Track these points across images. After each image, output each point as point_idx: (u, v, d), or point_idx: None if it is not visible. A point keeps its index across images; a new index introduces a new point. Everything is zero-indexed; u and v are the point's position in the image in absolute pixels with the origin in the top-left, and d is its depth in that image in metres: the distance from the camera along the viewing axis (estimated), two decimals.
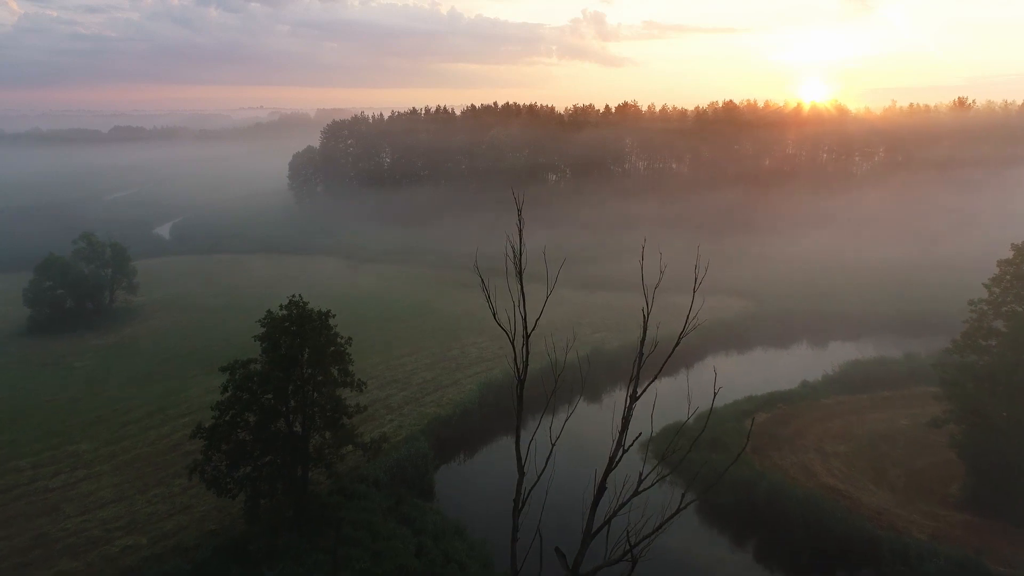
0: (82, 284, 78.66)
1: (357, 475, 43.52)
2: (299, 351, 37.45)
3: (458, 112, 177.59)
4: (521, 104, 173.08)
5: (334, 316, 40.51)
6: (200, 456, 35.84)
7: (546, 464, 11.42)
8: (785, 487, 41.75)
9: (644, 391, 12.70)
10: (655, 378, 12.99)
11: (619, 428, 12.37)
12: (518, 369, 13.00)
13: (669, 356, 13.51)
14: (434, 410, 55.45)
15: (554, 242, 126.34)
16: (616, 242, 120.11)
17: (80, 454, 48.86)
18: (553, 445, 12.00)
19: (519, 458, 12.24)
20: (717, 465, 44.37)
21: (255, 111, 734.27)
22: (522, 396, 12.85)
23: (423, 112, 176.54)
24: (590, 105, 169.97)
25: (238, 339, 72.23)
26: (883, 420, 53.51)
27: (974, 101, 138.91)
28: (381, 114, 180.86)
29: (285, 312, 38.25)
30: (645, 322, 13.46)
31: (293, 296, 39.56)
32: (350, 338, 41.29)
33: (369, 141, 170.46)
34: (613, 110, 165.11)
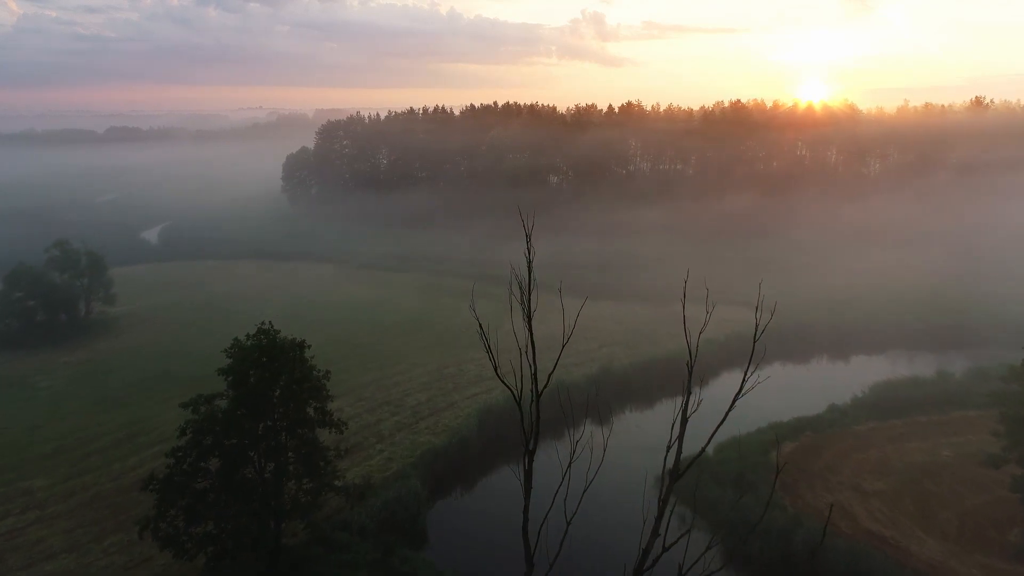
0: (54, 295, 73.66)
1: (339, 521, 38.59)
2: (270, 387, 32.45)
3: (457, 112, 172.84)
4: (522, 104, 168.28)
5: (310, 347, 35.40)
6: (153, 510, 30.85)
7: (560, 548, 10.04)
8: (825, 536, 36.79)
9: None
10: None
11: (654, 507, 10.51)
12: (527, 437, 11.14)
13: (720, 423, 11.33)
14: (428, 438, 50.50)
15: (557, 248, 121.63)
16: (621, 248, 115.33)
17: (34, 492, 43.91)
18: (569, 524, 10.19)
19: (527, 547, 10.38)
20: (745, 509, 39.59)
21: (254, 111, 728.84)
22: (531, 471, 10.71)
23: (421, 112, 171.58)
24: (592, 105, 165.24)
25: (218, 358, 67.04)
26: (923, 451, 48.59)
27: (992, 101, 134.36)
28: (377, 114, 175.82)
29: (254, 342, 33.13)
30: (688, 382, 11.33)
31: (263, 323, 34.45)
32: (328, 371, 36.36)
33: (365, 142, 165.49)
34: (617, 110, 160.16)
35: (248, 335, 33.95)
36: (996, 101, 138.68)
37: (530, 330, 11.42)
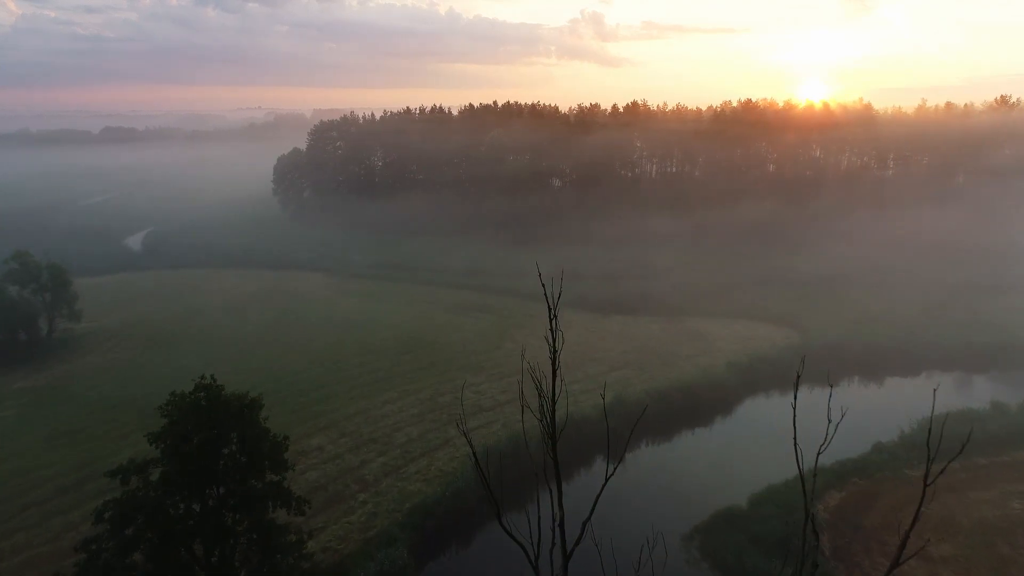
0: (12, 312, 67.11)
1: None
2: (213, 457, 25.89)
3: (455, 112, 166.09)
4: (523, 103, 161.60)
5: (263, 405, 28.85)
6: None
7: None
8: None
9: None
10: None
11: None
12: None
13: None
14: (419, 486, 43.95)
15: (560, 257, 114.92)
16: (629, 257, 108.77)
17: None
18: None
19: None
20: None
21: (252, 111, 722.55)
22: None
23: (417, 112, 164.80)
24: (596, 105, 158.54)
25: (185, 384, 60.64)
26: (990, 502, 42.10)
27: (1019, 100, 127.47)
28: (372, 114, 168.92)
29: (191, 400, 26.57)
30: None
31: (203, 378, 27.84)
32: (287, 437, 29.72)
33: (359, 143, 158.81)
34: (621, 110, 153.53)
35: (187, 392, 27.26)
36: (980, 103, 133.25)
37: (555, 457, 8.09)
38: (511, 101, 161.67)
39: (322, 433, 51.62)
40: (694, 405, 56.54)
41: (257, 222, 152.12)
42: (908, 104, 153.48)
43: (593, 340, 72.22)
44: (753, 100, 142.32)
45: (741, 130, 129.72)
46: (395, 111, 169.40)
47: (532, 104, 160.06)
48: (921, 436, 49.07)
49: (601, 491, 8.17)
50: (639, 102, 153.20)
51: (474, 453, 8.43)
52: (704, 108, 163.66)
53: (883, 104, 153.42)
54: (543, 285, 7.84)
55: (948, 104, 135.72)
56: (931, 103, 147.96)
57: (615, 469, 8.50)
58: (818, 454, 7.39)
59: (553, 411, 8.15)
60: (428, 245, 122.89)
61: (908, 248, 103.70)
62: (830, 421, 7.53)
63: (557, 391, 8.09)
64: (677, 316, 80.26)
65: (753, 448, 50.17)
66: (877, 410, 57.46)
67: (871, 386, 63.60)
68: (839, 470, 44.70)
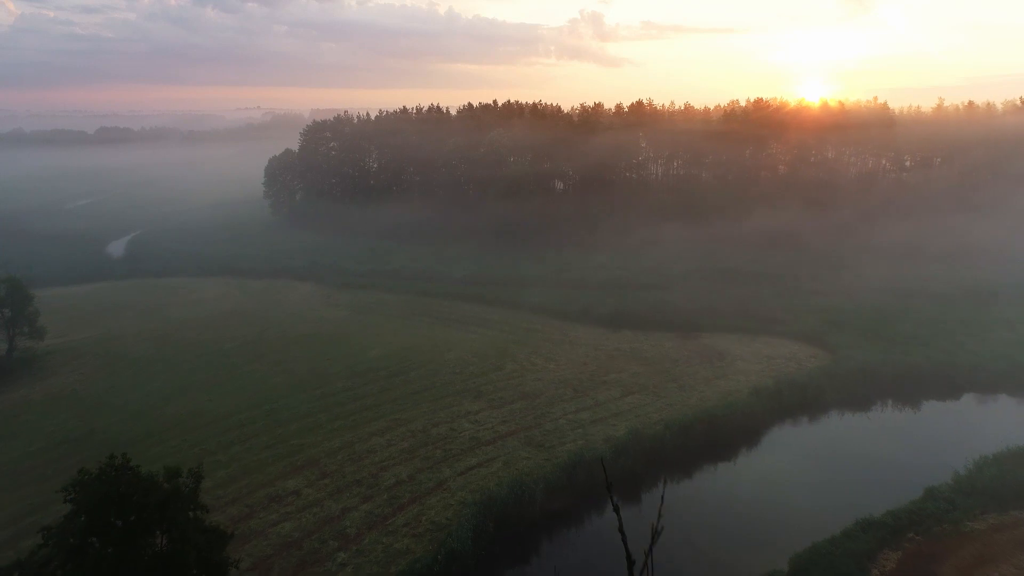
0: None
1: None
2: (131, 550, 19.88)
3: (453, 112, 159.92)
4: (523, 103, 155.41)
5: (202, 478, 22.85)
6: None
7: None
8: None
9: None
10: None
11: None
12: None
13: None
14: (407, 543, 37.99)
15: (564, 265, 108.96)
16: (639, 265, 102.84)
17: None
18: None
19: None
20: None
21: (250, 111, 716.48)
22: None
23: (414, 111, 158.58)
24: (599, 104, 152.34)
25: (152, 415, 54.85)
26: None
27: None
28: (367, 113, 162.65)
29: (100, 483, 20.56)
30: None
31: (112, 457, 21.77)
32: (232, 533, 23.62)
33: (353, 143, 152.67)
34: (626, 109, 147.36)
35: (98, 470, 21.25)
36: (981, 102, 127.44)
37: None
38: (512, 100, 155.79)
39: (300, 473, 45.69)
40: (719, 438, 50.56)
41: (246, 226, 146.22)
42: (909, 104, 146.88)
43: (603, 359, 66.25)
44: (764, 99, 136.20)
45: (753, 130, 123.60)
46: (391, 110, 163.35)
47: (533, 104, 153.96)
48: (980, 478, 43.30)
49: None
50: (644, 101, 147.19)
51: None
52: (706, 108, 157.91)
53: (917, 104, 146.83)
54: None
55: (970, 103, 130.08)
56: (930, 103, 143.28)
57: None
58: None
59: None
60: (424, 251, 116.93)
61: (936, 252, 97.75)
62: None
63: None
64: (692, 331, 74.31)
65: (790, 494, 44.24)
66: (922, 444, 51.59)
67: (909, 414, 57.54)
68: (892, 523, 38.73)
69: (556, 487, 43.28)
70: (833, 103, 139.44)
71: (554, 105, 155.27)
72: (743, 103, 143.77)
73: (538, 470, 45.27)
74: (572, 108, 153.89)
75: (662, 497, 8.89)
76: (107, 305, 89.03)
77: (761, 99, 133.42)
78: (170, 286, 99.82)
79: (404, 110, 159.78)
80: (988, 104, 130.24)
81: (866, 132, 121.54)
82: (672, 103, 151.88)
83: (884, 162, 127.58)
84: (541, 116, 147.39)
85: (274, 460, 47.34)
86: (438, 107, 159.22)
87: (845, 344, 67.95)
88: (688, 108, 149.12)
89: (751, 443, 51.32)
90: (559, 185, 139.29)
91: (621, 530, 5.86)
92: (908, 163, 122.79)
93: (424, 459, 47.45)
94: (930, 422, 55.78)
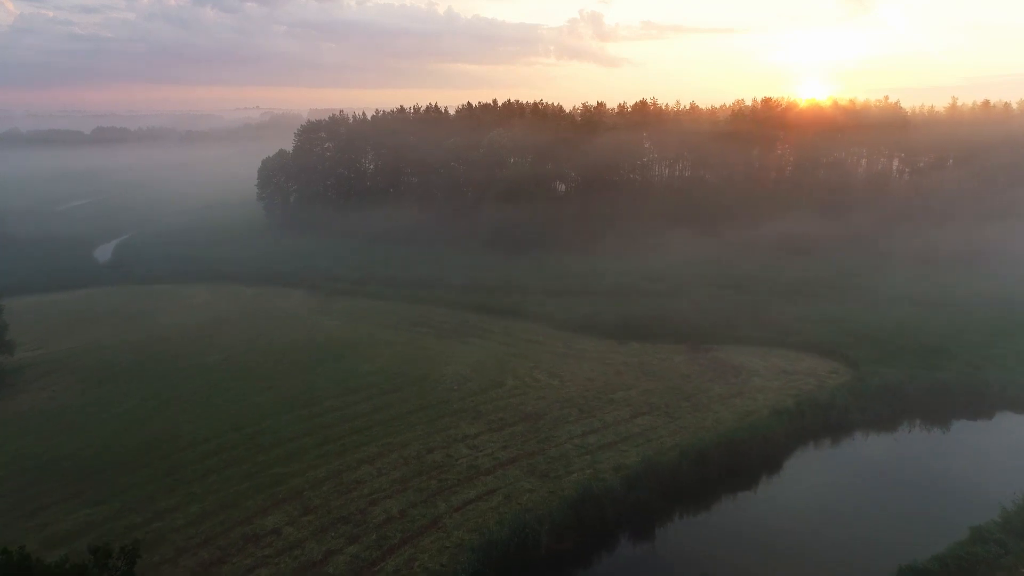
0: None
1: None
2: None
3: (452, 112, 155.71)
4: (524, 103, 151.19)
5: (139, 557, 18.93)
6: None
7: None
8: None
9: None
10: None
11: None
12: None
13: None
14: None
15: (566, 268, 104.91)
16: (644, 270, 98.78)
17: None
18: None
19: None
20: None
21: (248, 111, 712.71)
22: None
23: (412, 111, 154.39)
24: (602, 104, 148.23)
25: (125, 437, 50.75)
26: None
27: None
28: (363, 113, 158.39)
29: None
30: None
31: (8, 552, 17.70)
32: None
33: (349, 144, 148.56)
34: (629, 108, 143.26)
35: None
36: (977, 102, 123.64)
37: None
38: (512, 100, 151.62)
39: (281, 508, 41.69)
40: (739, 466, 46.55)
41: (239, 229, 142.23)
42: (920, 104, 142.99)
43: (610, 375, 62.26)
44: (773, 98, 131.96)
45: (763, 130, 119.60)
46: (388, 110, 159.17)
47: (534, 103, 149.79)
48: None
49: None
50: (648, 101, 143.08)
51: None
52: (712, 107, 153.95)
53: (930, 104, 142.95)
54: None
55: (986, 102, 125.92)
56: (929, 103, 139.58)
57: None
58: None
59: None
60: (421, 256, 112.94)
61: (954, 263, 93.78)
62: None
63: None
64: (702, 343, 70.31)
65: (823, 533, 40.13)
66: (960, 473, 47.49)
67: (941, 436, 53.53)
68: (939, 571, 34.74)
69: (563, 525, 39.26)
70: (844, 102, 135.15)
71: (556, 105, 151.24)
72: (748, 103, 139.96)
73: (543, 505, 41.27)
74: (574, 108, 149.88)
75: None
76: (89, 314, 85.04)
77: (770, 98, 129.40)
78: (157, 293, 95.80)
79: (401, 110, 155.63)
80: (1005, 104, 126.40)
81: (878, 133, 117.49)
82: (678, 103, 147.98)
83: (896, 163, 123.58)
84: (542, 116, 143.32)
85: (254, 492, 43.36)
86: (436, 107, 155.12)
87: (866, 358, 63.95)
88: (694, 108, 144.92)
89: (774, 472, 47.33)
90: (561, 187, 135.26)
91: None
92: (922, 165, 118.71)
93: (417, 491, 43.47)
94: (965, 446, 51.74)
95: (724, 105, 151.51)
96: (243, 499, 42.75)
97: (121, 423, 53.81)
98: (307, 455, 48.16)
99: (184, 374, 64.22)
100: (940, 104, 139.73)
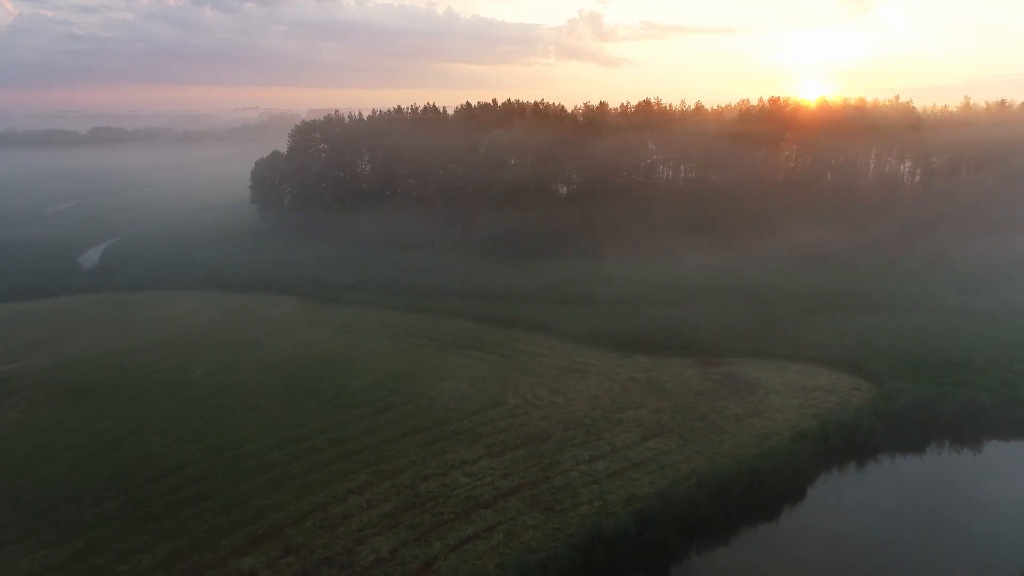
0: None
1: None
2: None
3: (451, 112, 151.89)
4: (524, 102, 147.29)
5: None
6: None
7: None
8: None
9: None
10: None
11: None
12: None
13: None
14: None
15: (569, 274, 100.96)
16: (649, 276, 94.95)
17: None
18: None
19: None
20: None
21: (247, 111, 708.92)
22: None
23: (409, 111, 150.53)
24: (604, 104, 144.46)
25: (95, 463, 46.84)
26: None
27: None
28: (360, 113, 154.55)
29: None
30: None
31: None
32: None
33: (344, 145, 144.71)
34: (632, 108, 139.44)
35: None
36: (977, 102, 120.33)
37: None
38: (512, 99, 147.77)
39: (259, 548, 37.85)
40: (762, 497, 42.62)
41: (232, 232, 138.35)
42: (933, 104, 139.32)
43: (617, 392, 58.39)
44: (780, 98, 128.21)
45: (772, 131, 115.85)
46: (384, 110, 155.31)
47: (535, 103, 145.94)
48: None
49: None
50: (652, 101, 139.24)
51: None
52: (717, 107, 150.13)
53: (944, 104, 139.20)
54: None
55: (1002, 102, 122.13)
56: (931, 103, 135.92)
57: None
58: None
59: None
60: (416, 262, 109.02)
61: (973, 271, 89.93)
62: None
63: None
64: (714, 356, 66.45)
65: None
66: (1005, 507, 43.47)
67: (979, 463, 49.63)
68: None
69: (570, 570, 35.38)
70: (854, 101, 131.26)
71: (557, 104, 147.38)
72: (751, 103, 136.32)
73: (548, 544, 37.46)
74: (576, 108, 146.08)
75: None
76: (69, 324, 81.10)
77: (777, 98, 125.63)
78: (142, 301, 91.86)
79: (399, 109, 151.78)
80: (1022, 104, 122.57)
81: (890, 134, 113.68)
82: (683, 103, 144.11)
83: (908, 164, 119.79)
84: (543, 116, 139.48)
85: (230, 529, 39.51)
86: (434, 106, 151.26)
87: (889, 373, 60.10)
88: (699, 108, 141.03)
89: (801, 503, 43.46)
90: (563, 189, 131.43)
91: None
92: (936, 167, 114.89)
93: (410, 527, 39.63)
94: (1008, 475, 47.80)
95: (729, 105, 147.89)
96: (219, 537, 38.90)
97: (91, 447, 49.94)
98: (291, 484, 44.32)
99: (164, 391, 60.28)
100: (943, 104, 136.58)
